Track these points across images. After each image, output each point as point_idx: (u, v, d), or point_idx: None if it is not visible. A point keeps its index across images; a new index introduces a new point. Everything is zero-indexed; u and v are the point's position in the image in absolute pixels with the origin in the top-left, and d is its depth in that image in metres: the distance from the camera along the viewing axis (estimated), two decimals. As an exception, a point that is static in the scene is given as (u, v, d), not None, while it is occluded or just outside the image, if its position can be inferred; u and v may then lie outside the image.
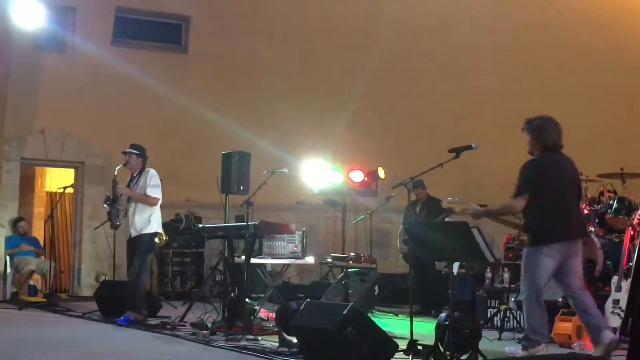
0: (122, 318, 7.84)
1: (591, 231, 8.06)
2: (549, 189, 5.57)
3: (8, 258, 11.02)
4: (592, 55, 11.28)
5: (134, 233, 8.06)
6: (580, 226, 5.80)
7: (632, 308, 2.26)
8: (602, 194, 8.36)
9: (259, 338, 6.51)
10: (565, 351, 6.17)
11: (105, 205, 8.34)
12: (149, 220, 8.03)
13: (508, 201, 5.70)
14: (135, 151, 8.21)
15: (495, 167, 11.38)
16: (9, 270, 10.96)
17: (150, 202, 8.02)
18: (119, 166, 8.27)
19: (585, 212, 8.31)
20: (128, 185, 8.26)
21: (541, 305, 5.65)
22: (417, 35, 12.15)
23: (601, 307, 6.66)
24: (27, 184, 13.06)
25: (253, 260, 7.76)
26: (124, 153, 8.25)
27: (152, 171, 8.18)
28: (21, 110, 11.45)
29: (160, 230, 8.25)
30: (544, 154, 5.68)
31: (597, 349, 5.52)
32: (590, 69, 11.32)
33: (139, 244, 8.00)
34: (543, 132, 5.68)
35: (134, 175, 8.29)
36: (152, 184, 8.07)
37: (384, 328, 5.48)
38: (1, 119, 10.85)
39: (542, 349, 5.59)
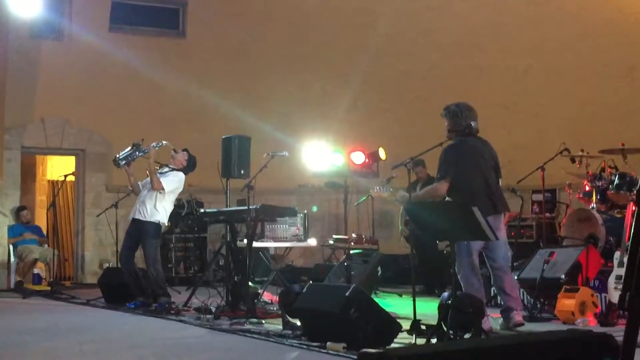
0: (132, 303, 7.86)
1: (593, 207, 8.07)
2: (469, 170, 5.94)
3: (11, 247, 11.06)
4: (593, 30, 11.19)
5: (140, 217, 7.97)
6: (502, 202, 6.14)
7: (629, 284, 2.25)
8: (603, 170, 8.35)
9: (263, 321, 6.52)
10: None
11: (130, 147, 8.05)
12: (157, 209, 7.94)
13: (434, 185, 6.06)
14: (187, 151, 8.20)
15: (496, 145, 11.22)
16: (12, 259, 11.00)
17: (155, 183, 7.89)
18: (169, 144, 8.15)
19: (587, 188, 8.32)
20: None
21: (479, 278, 5.94)
22: (417, 14, 12.04)
23: (604, 282, 6.69)
24: (29, 173, 13.06)
25: (255, 244, 7.76)
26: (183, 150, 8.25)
27: (182, 174, 8.13)
28: (20, 99, 11.43)
29: (166, 220, 8.15)
30: (462, 139, 6.06)
31: (501, 325, 6.01)
32: (591, 44, 11.23)
33: (144, 232, 7.93)
34: (458, 118, 6.07)
35: (169, 168, 8.17)
36: (170, 179, 8.01)
37: (387, 309, 5.50)
38: (0, 108, 10.83)
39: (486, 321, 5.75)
